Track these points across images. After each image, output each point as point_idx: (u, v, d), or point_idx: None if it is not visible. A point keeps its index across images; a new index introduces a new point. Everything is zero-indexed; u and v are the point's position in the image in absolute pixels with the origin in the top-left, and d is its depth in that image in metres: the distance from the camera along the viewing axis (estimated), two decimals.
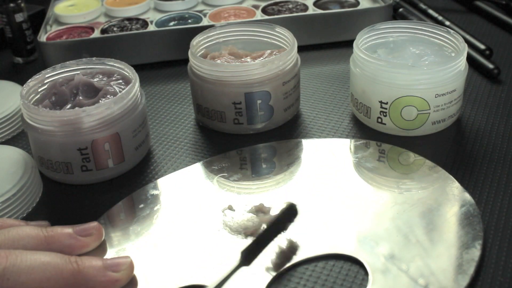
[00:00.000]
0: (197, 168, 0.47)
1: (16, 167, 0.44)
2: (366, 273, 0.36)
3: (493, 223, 0.40)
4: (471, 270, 0.35)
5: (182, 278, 0.37)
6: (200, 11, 0.70)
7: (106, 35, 0.65)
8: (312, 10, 0.68)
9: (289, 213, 0.39)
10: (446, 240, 0.38)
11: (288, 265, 0.37)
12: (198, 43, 0.53)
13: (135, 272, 0.37)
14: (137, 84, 0.47)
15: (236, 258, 0.36)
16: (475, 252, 0.37)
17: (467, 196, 0.41)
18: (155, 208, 0.43)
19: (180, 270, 0.38)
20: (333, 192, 0.43)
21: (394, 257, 0.37)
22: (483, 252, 0.37)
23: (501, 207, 0.41)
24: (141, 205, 0.43)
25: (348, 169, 0.46)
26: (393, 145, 0.48)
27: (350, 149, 0.48)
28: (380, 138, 0.49)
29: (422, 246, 0.38)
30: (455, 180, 0.43)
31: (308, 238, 0.39)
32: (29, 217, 0.43)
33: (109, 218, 0.43)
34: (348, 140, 0.49)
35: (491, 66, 0.58)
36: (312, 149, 0.49)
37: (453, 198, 0.41)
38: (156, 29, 0.66)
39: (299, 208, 0.39)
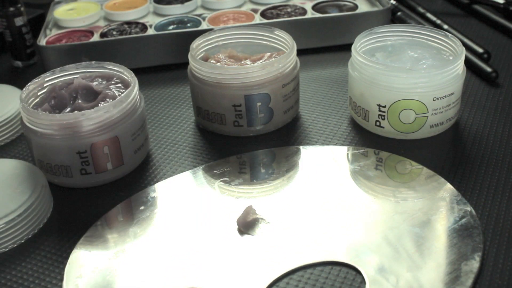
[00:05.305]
0: (198, 172, 0.47)
1: (24, 185, 0.43)
2: (363, 279, 0.36)
3: (491, 227, 0.40)
4: (469, 282, 0.35)
5: (182, 280, 0.37)
6: (199, 15, 0.70)
7: (105, 39, 0.65)
8: (310, 14, 0.68)
9: None
10: (445, 251, 0.37)
11: (285, 271, 0.37)
12: (198, 46, 0.53)
13: (135, 274, 0.37)
14: (136, 87, 0.48)
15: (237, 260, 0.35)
16: (474, 264, 0.36)
17: (468, 207, 0.41)
18: (155, 211, 0.43)
19: (180, 273, 0.38)
20: (329, 199, 0.43)
21: (389, 268, 0.37)
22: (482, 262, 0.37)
23: (498, 210, 0.41)
24: (142, 207, 0.44)
25: (345, 177, 0.45)
26: (391, 153, 0.48)
27: (348, 157, 0.48)
28: (378, 141, 0.49)
29: (418, 257, 0.38)
30: (455, 190, 0.43)
31: (305, 245, 0.39)
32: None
33: (107, 220, 0.43)
34: (345, 147, 0.49)
35: (489, 69, 0.58)
36: (310, 156, 0.49)
37: (453, 208, 0.41)
38: (155, 33, 0.66)
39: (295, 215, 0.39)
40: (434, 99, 0.47)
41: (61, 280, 0.38)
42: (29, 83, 0.48)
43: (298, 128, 0.53)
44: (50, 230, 0.43)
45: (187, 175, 0.47)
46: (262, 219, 0.41)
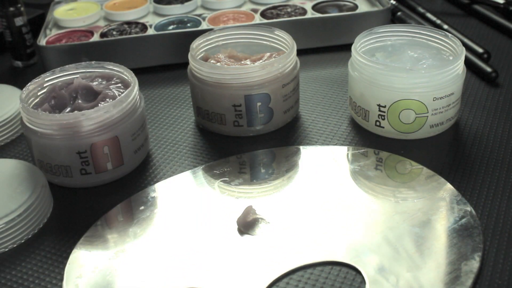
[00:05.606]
0: (198, 172, 0.47)
1: (24, 185, 0.43)
2: (363, 279, 0.36)
3: (491, 227, 0.40)
4: (469, 282, 0.35)
5: (182, 280, 0.37)
6: (199, 15, 0.70)
7: (105, 39, 0.65)
8: (310, 14, 0.68)
9: None
10: (445, 251, 0.37)
11: (285, 271, 0.37)
12: (198, 46, 0.53)
13: (135, 274, 0.37)
14: (136, 87, 0.48)
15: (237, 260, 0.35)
16: (474, 264, 0.36)
17: (468, 207, 0.41)
18: (155, 211, 0.43)
19: (180, 273, 0.38)
20: (329, 199, 0.43)
21: (389, 268, 0.37)
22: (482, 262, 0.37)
23: (498, 210, 0.41)
24: (142, 207, 0.44)
25: (345, 177, 0.45)
26: (391, 153, 0.48)
27: (348, 157, 0.48)
28: (378, 141, 0.49)
29: (418, 257, 0.38)
30: (455, 190, 0.43)
31: (305, 245, 0.39)
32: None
33: (107, 220, 0.43)
34: (345, 147, 0.49)
35: (489, 69, 0.58)
36: (310, 156, 0.49)
37: (453, 208, 0.41)
38: (155, 33, 0.66)
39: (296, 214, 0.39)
40: (434, 99, 0.47)
41: (61, 280, 0.38)
42: (29, 83, 0.48)
43: (298, 128, 0.53)
44: (50, 230, 0.43)
45: (187, 175, 0.47)
46: (262, 219, 0.41)
